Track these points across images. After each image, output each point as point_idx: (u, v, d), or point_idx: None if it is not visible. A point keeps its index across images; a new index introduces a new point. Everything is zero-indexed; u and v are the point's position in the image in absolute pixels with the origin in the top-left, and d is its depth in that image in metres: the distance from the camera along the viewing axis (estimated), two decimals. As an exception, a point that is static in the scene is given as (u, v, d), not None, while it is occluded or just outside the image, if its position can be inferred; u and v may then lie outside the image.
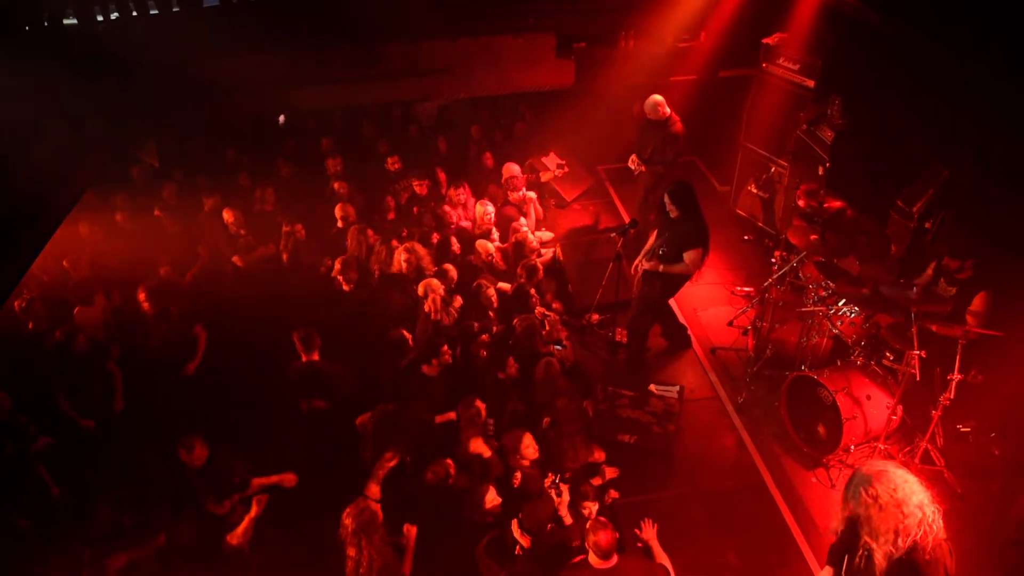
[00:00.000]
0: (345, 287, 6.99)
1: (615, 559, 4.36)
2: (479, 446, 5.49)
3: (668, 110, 7.86)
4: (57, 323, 6.64)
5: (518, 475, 5.25)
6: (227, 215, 8.07)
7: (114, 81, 7.19)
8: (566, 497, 5.11)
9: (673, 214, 6.40)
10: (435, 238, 7.96)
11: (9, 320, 6.58)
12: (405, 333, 6.47)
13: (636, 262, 6.88)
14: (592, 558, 4.35)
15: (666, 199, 6.37)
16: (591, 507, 5.14)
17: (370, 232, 7.67)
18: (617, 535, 4.42)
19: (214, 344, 6.79)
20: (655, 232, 6.75)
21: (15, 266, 6.14)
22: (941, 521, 3.51)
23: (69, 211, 7.42)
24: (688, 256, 6.38)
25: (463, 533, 5.09)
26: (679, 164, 8.24)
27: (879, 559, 3.51)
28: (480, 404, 5.59)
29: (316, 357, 6.05)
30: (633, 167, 8.20)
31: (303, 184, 9.00)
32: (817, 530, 5.67)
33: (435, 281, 6.80)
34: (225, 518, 5.09)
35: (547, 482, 5.13)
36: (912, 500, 3.45)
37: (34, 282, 7.31)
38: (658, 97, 7.85)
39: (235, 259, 7.93)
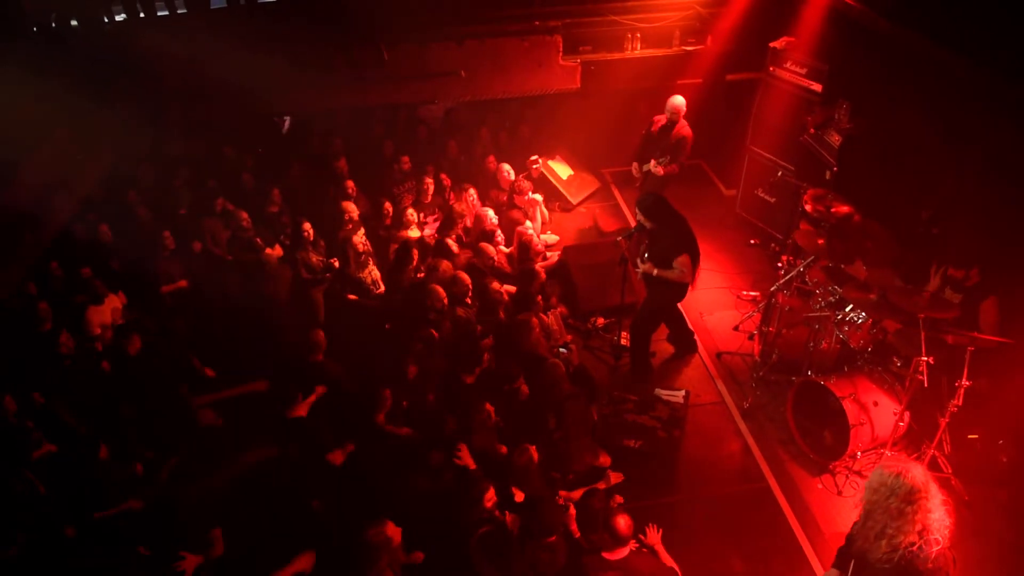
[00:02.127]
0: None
1: (626, 551, 4.41)
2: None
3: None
4: (64, 323, 6.65)
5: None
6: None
7: (120, 82, 7.21)
8: (572, 511, 5.11)
9: (648, 226, 6.45)
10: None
11: (16, 320, 6.58)
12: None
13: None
14: (606, 546, 4.43)
15: (638, 212, 6.44)
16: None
17: (362, 232, 7.71)
18: (633, 524, 4.45)
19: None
20: None
21: (20, 266, 6.16)
22: (946, 531, 3.51)
23: (74, 212, 7.45)
24: (677, 263, 6.37)
25: (459, 529, 5.07)
26: (685, 166, 8.22)
27: (885, 560, 3.49)
28: (490, 407, 5.59)
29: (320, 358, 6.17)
30: (636, 174, 8.26)
31: (309, 185, 9.01)
32: (823, 536, 5.64)
33: (440, 290, 6.80)
34: None
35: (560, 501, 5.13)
36: (928, 506, 3.45)
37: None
38: (681, 99, 7.86)
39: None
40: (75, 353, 6.49)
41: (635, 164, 8.27)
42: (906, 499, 3.44)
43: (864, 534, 3.63)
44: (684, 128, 7.91)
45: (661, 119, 8.03)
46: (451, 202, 8.87)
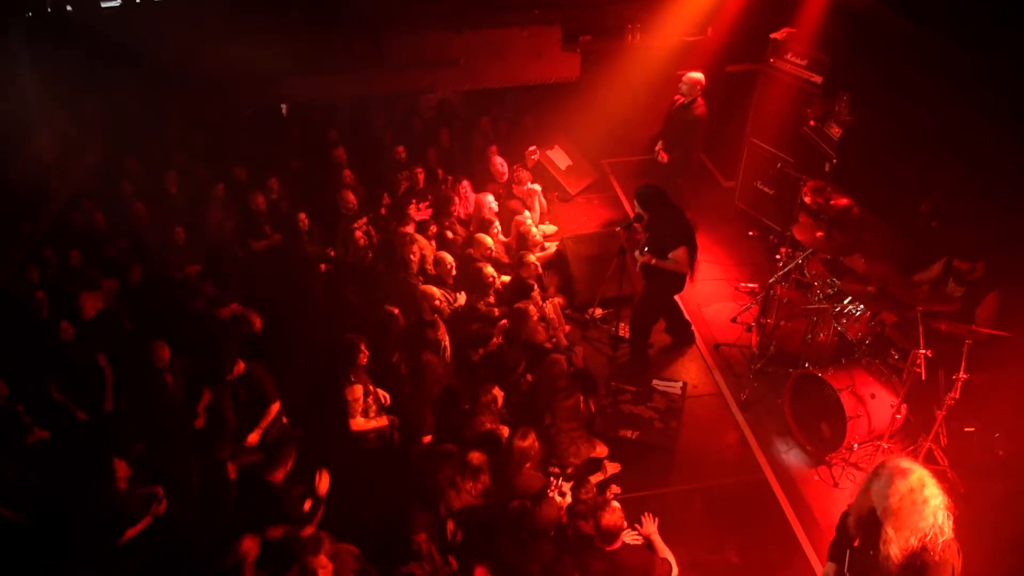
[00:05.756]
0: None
1: (619, 543, 4.43)
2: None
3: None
4: (62, 311, 6.61)
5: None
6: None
7: (117, 69, 7.17)
8: (567, 499, 5.09)
9: (646, 216, 6.44)
10: (432, 229, 7.98)
11: (11, 308, 6.54)
12: (394, 310, 6.48)
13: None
14: (597, 539, 4.43)
15: (636, 203, 6.42)
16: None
17: (360, 234, 7.67)
18: (623, 523, 4.45)
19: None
20: None
21: (17, 254, 6.13)
22: (950, 522, 3.52)
23: (70, 199, 7.42)
24: (674, 255, 6.36)
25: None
26: (694, 154, 8.17)
27: (894, 554, 3.48)
28: (497, 391, 5.58)
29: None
30: (659, 159, 8.16)
31: (308, 174, 8.97)
32: (819, 528, 5.65)
33: (432, 288, 6.76)
34: None
35: (552, 484, 5.11)
36: (936, 499, 3.46)
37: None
38: (698, 75, 7.74)
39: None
40: (75, 339, 6.46)
41: (658, 145, 8.16)
42: (926, 492, 3.45)
43: (900, 543, 3.51)
44: (698, 107, 7.80)
45: (680, 97, 7.94)
46: (444, 190, 8.81)
